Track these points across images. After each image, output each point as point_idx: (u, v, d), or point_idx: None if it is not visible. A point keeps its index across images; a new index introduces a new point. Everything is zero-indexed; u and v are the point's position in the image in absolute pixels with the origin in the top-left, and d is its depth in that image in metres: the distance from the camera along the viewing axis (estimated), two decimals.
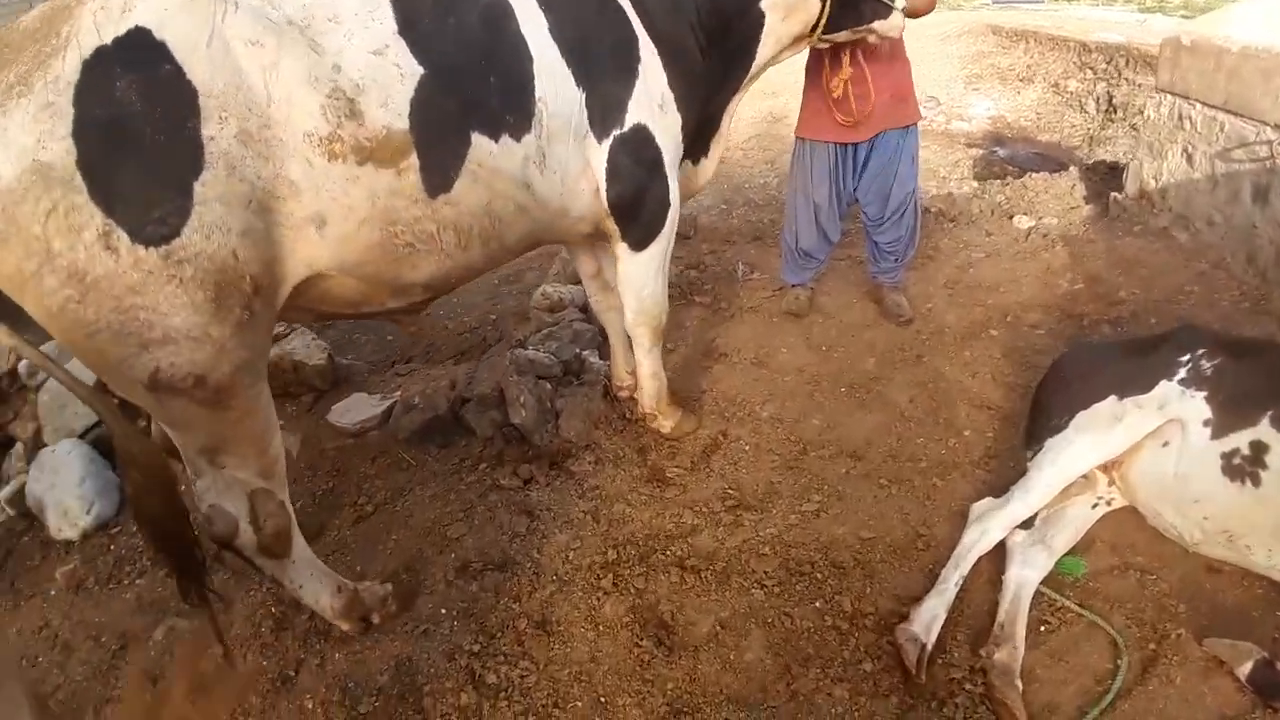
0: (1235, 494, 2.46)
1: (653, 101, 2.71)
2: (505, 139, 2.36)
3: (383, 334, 4.55)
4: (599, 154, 2.63)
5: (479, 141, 2.30)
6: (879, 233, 4.02)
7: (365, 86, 2.07)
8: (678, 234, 5.38)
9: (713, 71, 2.94)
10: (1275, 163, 3.97)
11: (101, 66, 1.77)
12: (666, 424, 3.30)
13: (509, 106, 2.37)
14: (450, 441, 3.35)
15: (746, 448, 3.18)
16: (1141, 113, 6.19)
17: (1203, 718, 2.14)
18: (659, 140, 2.75)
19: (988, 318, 4.13)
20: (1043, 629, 2.40)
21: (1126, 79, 8.25)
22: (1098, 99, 8.81)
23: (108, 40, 1.78)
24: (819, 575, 2.57)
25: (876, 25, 3.18)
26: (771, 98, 8.08)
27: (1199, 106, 4.53)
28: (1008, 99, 9.53)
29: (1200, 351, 2.71)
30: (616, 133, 2.63)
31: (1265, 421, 2.47)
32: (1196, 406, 2.58)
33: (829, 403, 3.44)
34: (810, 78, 3.73)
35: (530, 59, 2.39)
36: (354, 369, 3.89)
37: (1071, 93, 9.15)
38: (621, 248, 2.90)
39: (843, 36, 3.20)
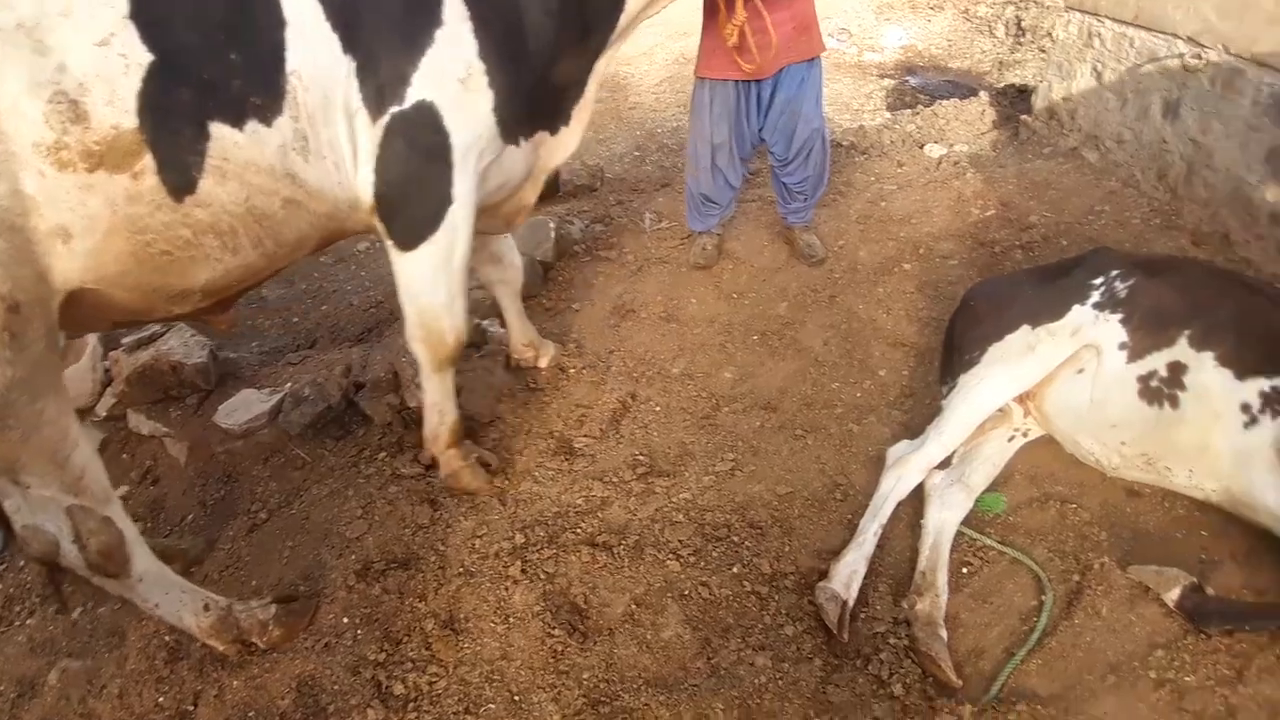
0: (1154, 417, 2.42)
1: (450, 75, 2.27)
2: (252, 125, 2.06)
3: (288, 317, 4.29)
4: (371, 135, 2.24)
5: (220, 132, 2.02)
6: (786, 173, 3.86)
7: (89, 84, 1.87)
8: (584, 187, 5.26)
9: (565, 33, 2.47)
10: (1186, 76, 3.91)
11: None
12: (445, 470, 2.77)
13: (254, 86, 2.06)
14: (347, 432, 3.15)
15: (657, 408, 3.05)
16: (1050, 34, 6.14)
17: (1132, 647, 2.11)
18: (448, 122, 2.30)
19: (900, 251, 4.04)
20: (965, 571, 2.34)
21: (1035, 1, 8.21)
22: (1006, 23, 8.79)
23: None
24: (735, 538, 2.47)
25: None
26: (683, 38, 7.84)
27: (1108, 23, 4.45)
28: (918, 28, 9.43)
29: (1114, 273, 2.65)
30: (394, 110, 2.23)
31: (1183, 341, 2.43)
32: (1111, 330, 2.53)
33: (741, 353, 3.33)
34: (707, 15, 3.50)
35: (282, 24, 2.05)
36: (241, 363, 3.64)
37: (981, 18, 9.11)
38: (388, 245, 2.46)
39: None
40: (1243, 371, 2.31)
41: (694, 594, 2.31)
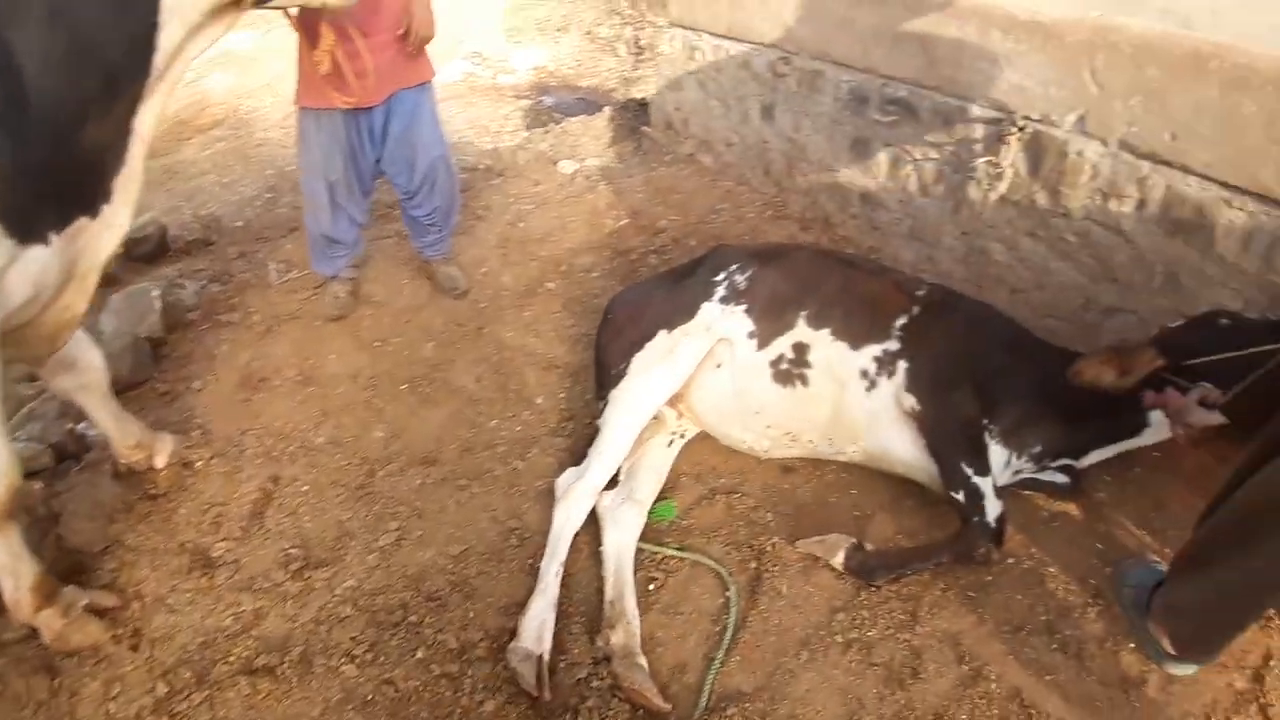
0: (790, 396, 2.55)
1: None
2: None
3: None
4: None
5: None
6: (414, 205, 3.64)
7: None
8: (197, 241, 4.62)
9: (81, 86, 1.91)
10: (776, 80, 4.25)
11: None
12: (47, 635, 2.22)
13: None
14: None
15: (305, 489, 2.71)
16: (658, 48, 6.49)
17: (816, 617, 2.20)
18: None
19: (543, 271, 4.01)
20: (651, 587, 2.31)
21: (649, 21, 8.70)
22: (627, 42, 9.26)
23: None
24: (414, 618, 2.23)
25: None
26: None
27: (706, 37, 4.73)
28: (548, 49, 9.66)
29: (733, 267, 2.77)
30: None
31: (801, 322, 2.59)
32: (739, 321, 2.64)
33: (391, 407, 3.07)
34: (301, 37, 3.14)
35: None
36: None
37: (604, 39, 9.50)
38: None
39: (285, 1, 2.53)
40: (856, 342, 2.52)
41: (378, 697, 2.04)
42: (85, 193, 2.06)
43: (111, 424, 2.67)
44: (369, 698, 2.04)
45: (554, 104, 8.20)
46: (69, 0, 1.85)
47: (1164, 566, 2.10)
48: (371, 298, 3.77)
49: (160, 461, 2.78)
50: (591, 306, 3.57)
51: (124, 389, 3.18)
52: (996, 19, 2.95)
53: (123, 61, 1.98)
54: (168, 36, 2.03)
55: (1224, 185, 2.53)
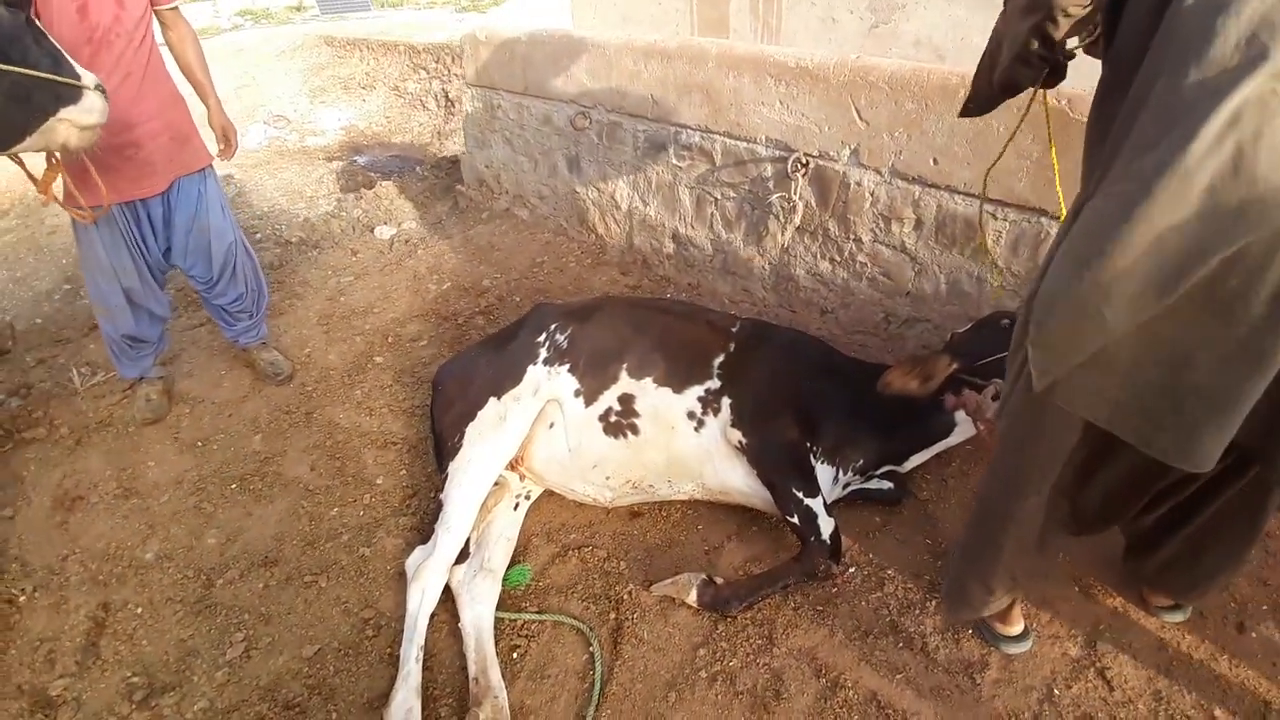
0: (624, 448, 2.62)
1: None
2: None
3: None
4: None
5: None
6: (216, 295, 3.49)
7: None
8: None
9: None
10: (578, 134, 4.37)
11: None
12: None
13: None
14: None
15: (139, 611, 2.53)
16: (463, 107, 6.52)
17: (679, 657, 2.25)
18: None
19: (370, 345, 3.94)
20: (515, 655, 2.30)
21: (456, 75, 8.69)
22: (435, 96, 9.24)
23: None
24: None
25: (66, 114, 2.30)
26: None
27: (505, 95, 4.80)
28: (355, 107, 9.48)
29: (553, 327, 2.83)
30: None
31: (624, 374, 2.67)
32: (564, 381, 2.69)
33: (222, 510, 2.91)
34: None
35: None
36: None
37: (412, 93, 9.40)
38: None
39: (27, 146, 2.30)
40: (678, 386, 2.63)
41: None
42: None
43: None
44: None
45: (367, 163, 8.08)
46: None
47: None
48: (188, 394, 3.59)
49: None
50: (423, 376, 3.55)
51: None
52: (768, 66, 3.19)
53: None
54: None
55: (987, 199, 2.83)
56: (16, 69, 2.10)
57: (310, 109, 9.55)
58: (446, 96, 8.96)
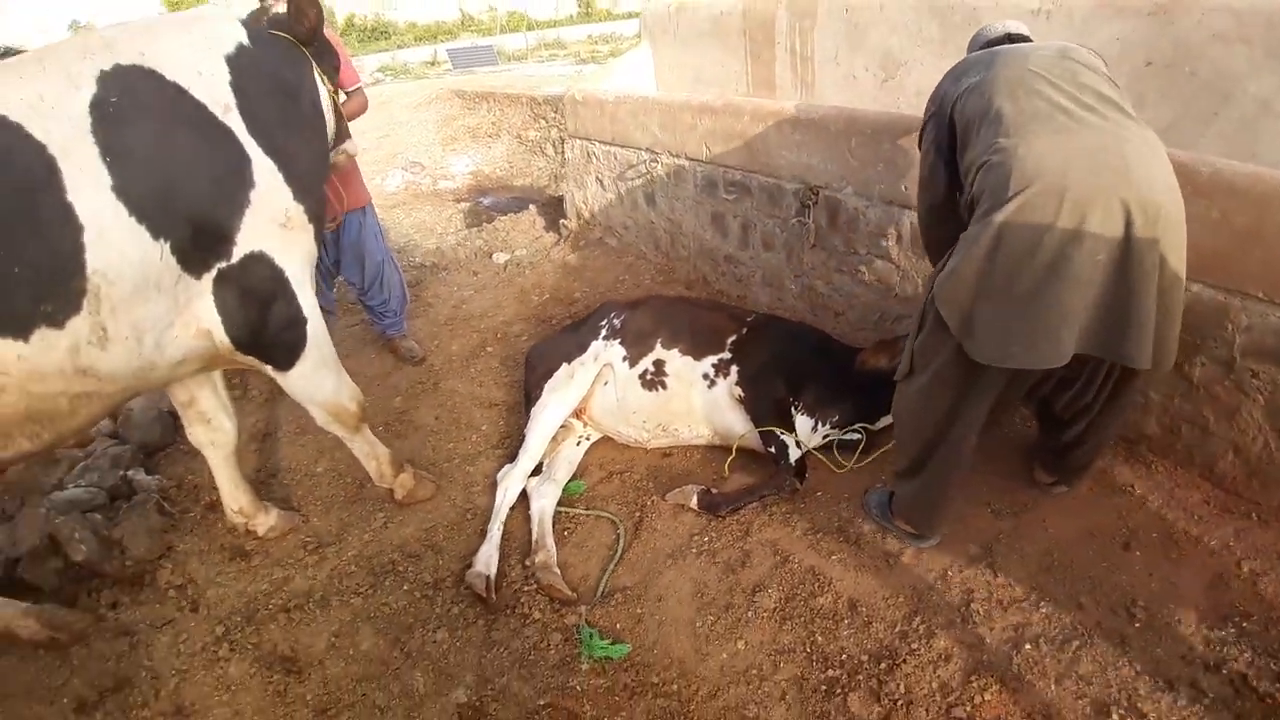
0: (655, 399, 3.56)
1: (274, 221, 2.64)
2: (41, 333, 2.17)
3: None
4: (202, 294, 2.52)
5: (3, 348, 2.14)
6: (368, 299, 4.69)
7: None
8: None
9: (321, 175, 3.04)
10: (652, 175, 5.40)
11: None
12: (400, 491, 3.44)
13: (45, 296, 2.16)
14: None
15: (312, 503, 3.63)
16: (565, 154, 7.68)
17: (679, 540, 3.13)
18: (281, 261, 2.69)
19: (483, 339, 5.03)
20: (565, 534, 3.26)
21: (565, 123, 9.95)
22: (554, 143, 10.39)
23: None
24: (400, 568, 3.16)
25: (346, 146, 3.57)
26: None
27: (598, 144, 5.90)
28: (482, 154, 10.66)
29: (613, 314, 3.81)
30: (221, 267, 2.54)
31: (658, 345, 3.61)
32: (616, 350, 3.65)
33: None
34: None
35: (79, 229, 2.19)
36: None
37: (533, 141, 10.59)
38: (270, 371, 2.88)
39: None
40: (698, 355, 3.55)
41: (378, 613, 2.96)
42: None
43: (226, 484, 3.32)
44: (371, 614, 2.96)
45: (491, 204, 9.26)
46: None
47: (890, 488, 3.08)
48: (348, 369, 4.72)
49: (261, 530, 3.38)
50: (522, 361, 4.57)
51: (154, 450, 4.11)
52: (786, 119, 4.11)
53: (324, 175, 3.14)
54: None
55: None
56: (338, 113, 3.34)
57: (442, 155, 10.83)
58: (563, 142, 10.08)
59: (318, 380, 3.00)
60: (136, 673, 2.88)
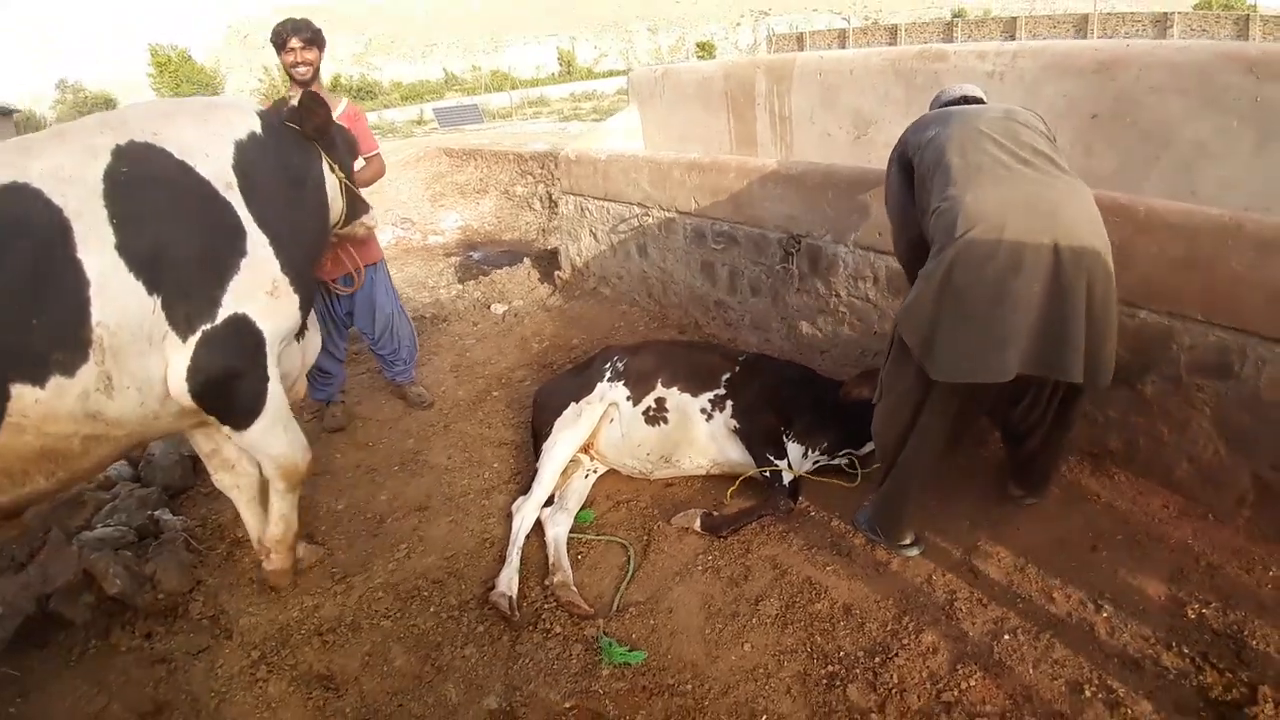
0: (658, 433, 3.83)
1: (260, 286, 2.86)
2: (54, 380, 2.41)
3: None
4: (181, 352, 2.70)
5: (19, 392, 2.37)
6: (379, 347, 4.96)
7: None
8: None
9: (314, 251, 3.34)
10: (643, 227, 5.75)
11: None
12: (275, 566, 3.44)
13: (57, 345, 2.42)
14: (49, 640, 3.36)
15: (335, 538, 3.85)
16: (559, 209, 8.07)
17: (685, 559, 3.37)
18: (262, 325, 2.87)
19: (489, 385, 5.30)
20: (579, 557, 3.50)
21: (557, 180, 10.36)
22: (540, 198, 10.79)
23: None
24: (425, 593, 3.38)
25: (364, 219, 3.87)
26: None
27: (591, 200, 6.27)
28: (470, 209, 11.00)
29: (615, 358, 4.10)
30: (205, 328, 2.72)
31: (659, 384, 3.89)
32: (620, 391, 3.94)
33: (390, 479, 4.27)
34: None
35: (86, 284, 2.45)
36: None
37: (520, 196, 10.95)
38: (226, 430, 3.00)
39: (345, 230, 3.79)
40: (695, 392, 3.83)
41: (407, 635, 3.17)
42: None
43: (251, 520, 3.51)
44: (401, 636, 3.17)
45: (481, 258, 9.58)
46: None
47: None
48: (360, 414, 5.01)
49: (268, 566, 3.50)
50: (527, 404, 4.84)
51: (177, 492, 4.32)
52: (768, 173, 4.47)
53: (318, 254, 3.45)
54: None
55: None
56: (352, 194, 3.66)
57: (431, 211, 11.17)
58: (550, 198, 10.44)
59: (271, 439, 3.13)
60: (176, 696, 3.05)
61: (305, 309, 3.18)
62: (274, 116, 3.25)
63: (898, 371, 2.88)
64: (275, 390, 3.05)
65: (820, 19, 64.68)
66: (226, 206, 2.82)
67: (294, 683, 3.02)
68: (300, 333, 3.35)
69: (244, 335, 2.84)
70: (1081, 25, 36.03)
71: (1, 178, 2.46)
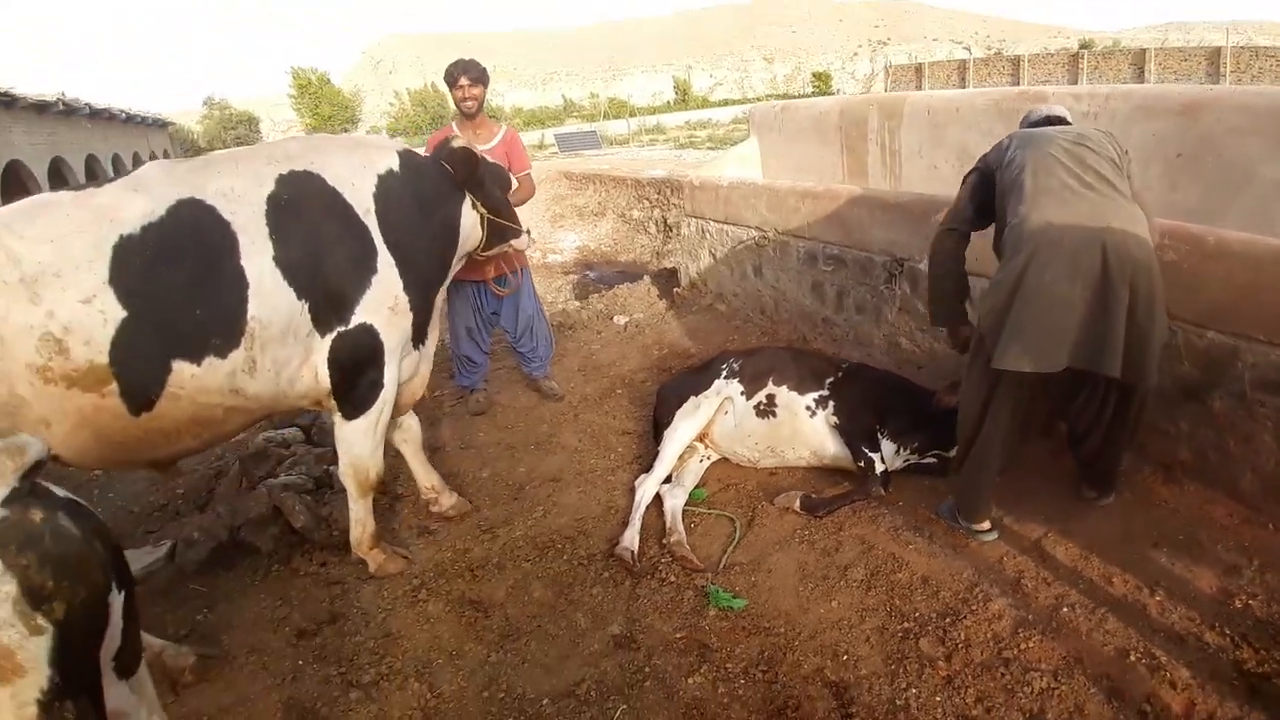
0: (767, 426, 4.34)
1: (384, 303, 3.38)
2: (210, 360, 2.90)
3: (127, 506, 5.00)
4: (321, 348, 3.26)
5: (180, 367, 2.85)
6: (519, 345, 5.66)
7: (71, 328, 2.68)
8: None
9: (435, 277, 3.82)
10: (760, 249, 6.30)
11: None
12: (372, 564, 3.84)
13: (217, 333, 2.91)
14: (235, 564, 4.05)
15: (479, 501, 4.50)
16: (680, 230, 8.70)
17: (784, 534, 3.85)
18: (384, 335, 3.38)
19: (613, 384, 5.92)
20: (692, 527, 4.03)
21: (674, 204, 10.89)
22: (656, 223, 11.37)
23: None
24: (559, 545, 3.97)
25: (515, 243, 4.46)
26: None
27: (712, 222, 6.87)
28: (588, 231, 11.61)
29: (731, 360, 4.64)
30: (340, 330, 3.27)
31: (770, 382, 4.41)
32: (735, 387, 4.46)
33: (527, 455, 4.92)
34: None
35: (246, 286, 2.97)
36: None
37: (636, 220, 11.53)
38: (336, 416, 3.52)
39: (494, 251, 4.36)
40: (802, 390, 4.33)
41: (545, 574, 3.77)
42: (421, 333, 3.79)
43: (419, 468, 4.25)
44: (539, 575, 3.76)
45: (597, 277, 10.21)
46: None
47: None
48: (501, 402, 5.70)
49: (444, 505, 4.26)
50: (648, 401, 5.42)
51: None
52: (875, 202, 4.95)
53: (439, 277, 3.94)
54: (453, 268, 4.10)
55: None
56: (500, 220, 4.27)
57: (551, 231, 11.84)
58: (665, 223, 11.00)
59: (361, 438, 3.57)
60: (348, 610, 3.67)
61: (420, 326, 3.68)
62: (414, 155, 3.85)
63: (973, 367, 3.38)
64: (385, 397, 3.55)
65: (941, 49, 63.75)
66: (365, 230, 3.33)
67: (449, 604, 3.65)
68: (420, 338, 3.79)
69: (369, 341, 3.38)
70: (1214, 60, 34.69)
71: (183, 192, 3.00)
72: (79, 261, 2.74)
